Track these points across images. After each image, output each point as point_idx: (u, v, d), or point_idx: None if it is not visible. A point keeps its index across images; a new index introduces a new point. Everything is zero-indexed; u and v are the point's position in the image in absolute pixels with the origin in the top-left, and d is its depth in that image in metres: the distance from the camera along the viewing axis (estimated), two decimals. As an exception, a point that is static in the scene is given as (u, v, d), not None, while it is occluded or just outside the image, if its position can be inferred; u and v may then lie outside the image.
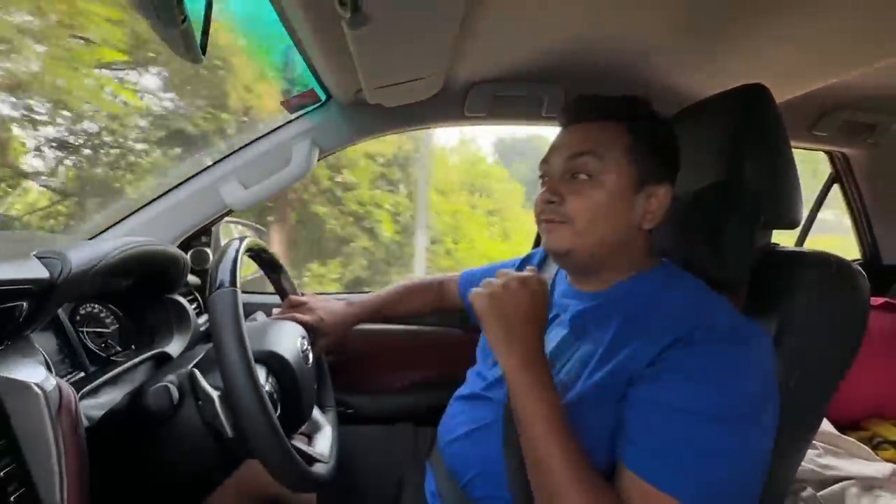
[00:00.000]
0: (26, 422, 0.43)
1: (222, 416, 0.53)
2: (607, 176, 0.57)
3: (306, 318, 0.82)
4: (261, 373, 0.61)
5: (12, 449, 0.42)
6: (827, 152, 1.59)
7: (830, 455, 0.96)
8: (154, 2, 0.33)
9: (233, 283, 0.56)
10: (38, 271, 0.51)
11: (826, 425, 1.05)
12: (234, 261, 0.59)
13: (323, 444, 0.75)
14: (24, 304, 0.49)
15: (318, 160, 1.08)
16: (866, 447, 1.01)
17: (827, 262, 0.63)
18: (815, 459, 0.94)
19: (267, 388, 0.60)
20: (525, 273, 0.58)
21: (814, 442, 0.95)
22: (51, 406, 0.44)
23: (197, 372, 0.57)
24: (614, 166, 0.57)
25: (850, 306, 0.62)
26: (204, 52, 0.48)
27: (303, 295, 0.90)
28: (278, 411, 0.62)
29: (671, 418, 0.48)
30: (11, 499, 0.41)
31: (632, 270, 0.62)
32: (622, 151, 0.58)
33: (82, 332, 0.75)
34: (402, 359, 1.23)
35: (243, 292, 0.61)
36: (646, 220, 0.60)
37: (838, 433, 1.02)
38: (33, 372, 0.46)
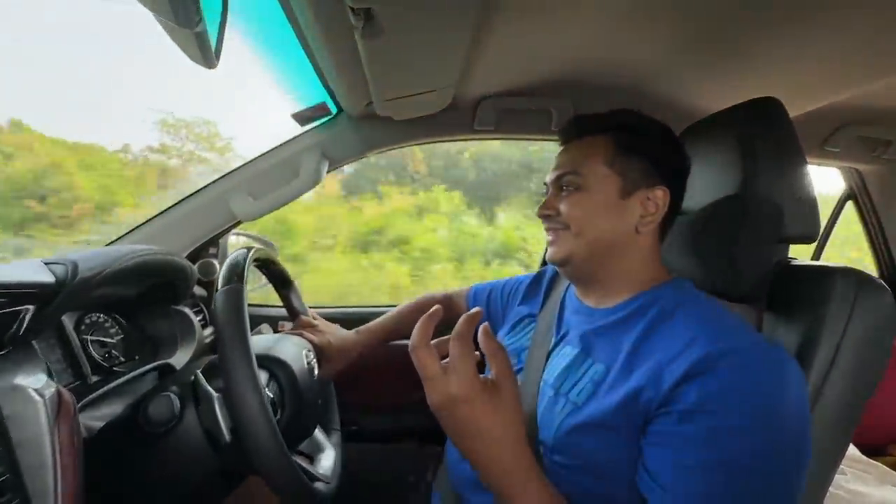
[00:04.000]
0: (24, 428, 0.42)
1: (221, 419, 0.52)
2: (592, 186, 0.61)
3: (315, 338, 0.82)
4: (262, 377, 0.60)
5: (8, 457, 0.40)
6: (840, 168, 1.58)
7: (859, 481, 0.91)
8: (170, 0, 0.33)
9: (239, 280, 0.56)
10: (43, 276, 0.51)
11: (854, 450, 1.00)
12: (244, 260, 0.59)
13: (325, 464, 0.72)
14: (29, 308, 0.48)
15: (327, 172, 1.09)
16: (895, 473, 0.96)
17: (851, 276, 0.61)
18: (843, 485, 0.89)
19: (268, 393, 0.59)
20: (494, 367, 0.47)
21: (842, 467, 0.91)
22: (49, 413, 0.43)
23: (199, 373, 0.56)
24: (598, 177, 0.61)
25: (877, 320, 0.59)
26: (218, 58, 0.48)
27: (315, 319, 0.89)
28: (279, 418, 0.60)
29: (702, 469, 0.44)
30: (3, 510, 0.40)
31: (641, 286, 0.61)
32: (602, 163, 0.61)
33: (86, 340, 0.74)
34: (406, 376, 1.20)
35: (248, 305, 0.60)
36: (642, 224, 0.61)
37: (868, 459, 0.98)
38: (33, 378, 0.44)
